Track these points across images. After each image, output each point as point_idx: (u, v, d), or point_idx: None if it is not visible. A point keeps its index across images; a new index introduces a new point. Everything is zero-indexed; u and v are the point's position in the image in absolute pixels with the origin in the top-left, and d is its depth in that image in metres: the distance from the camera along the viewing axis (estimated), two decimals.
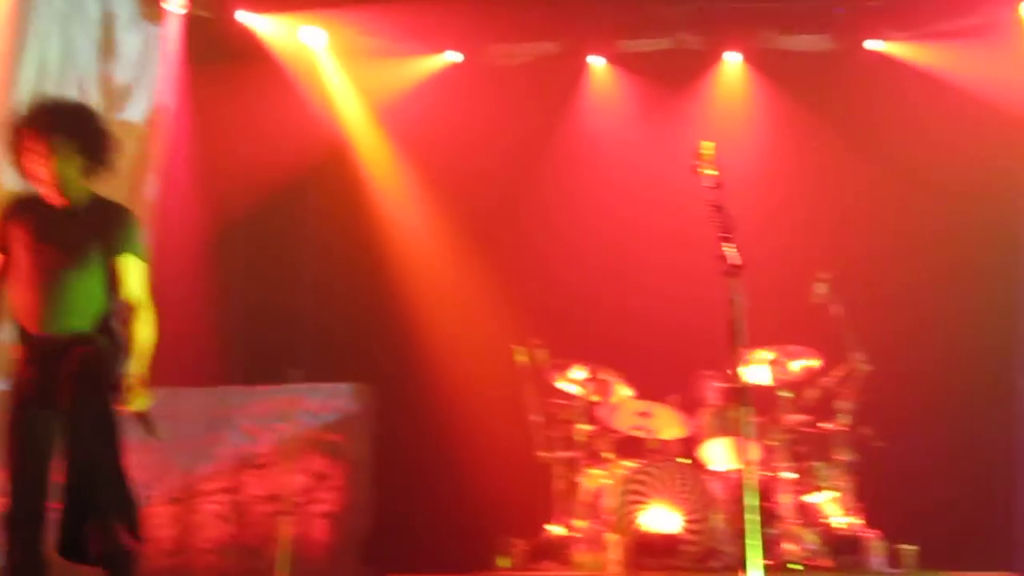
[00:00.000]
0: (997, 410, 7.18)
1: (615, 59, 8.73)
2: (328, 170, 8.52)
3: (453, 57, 8.78)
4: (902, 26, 8.54)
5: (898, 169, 7.91)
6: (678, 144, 4.48)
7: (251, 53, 8.20)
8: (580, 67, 8.76)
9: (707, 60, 8.64)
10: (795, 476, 6.57)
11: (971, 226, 7.74)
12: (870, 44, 8.64)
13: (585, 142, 8.50)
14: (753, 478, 6.32)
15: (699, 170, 4.47)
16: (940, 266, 7.71)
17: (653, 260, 7.89)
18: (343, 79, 8.66)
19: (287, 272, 8.60)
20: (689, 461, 6.76)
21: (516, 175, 8.38)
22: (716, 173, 4.34)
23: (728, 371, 4.12)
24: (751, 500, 4.03)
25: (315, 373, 7.60)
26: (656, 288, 7.78)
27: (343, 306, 8.35)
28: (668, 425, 6.91)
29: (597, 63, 8.77)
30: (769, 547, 6.34)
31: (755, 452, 6.52)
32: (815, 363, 6.69)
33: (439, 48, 8.75)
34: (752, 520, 3.99)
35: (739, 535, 4.10)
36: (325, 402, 7.55)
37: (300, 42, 8.49)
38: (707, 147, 4.46)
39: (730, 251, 4.04)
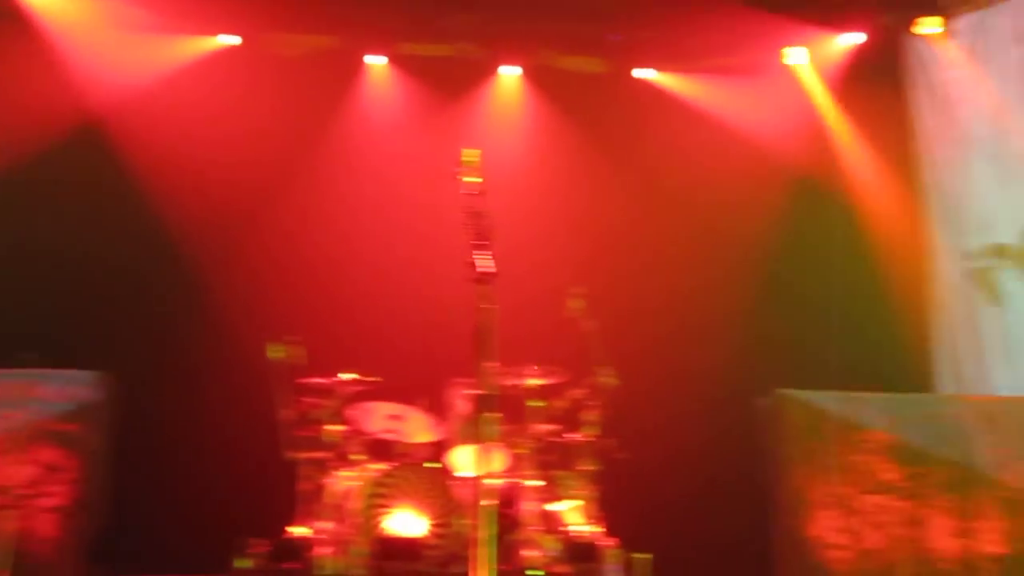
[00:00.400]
0: (735, 426, 7.54)
1: (395, 60, 8.70)
2: (83, 145, 8.02)
3: (228, 40, 8.48)
4: (671, 58, 8.96)
5: (656, 193, 8.28)
6: (448, 150, 4.50)
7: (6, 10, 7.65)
8: (359, 64, 8.68)
9: (485, 71, 8.76)
10: (540, 484, 6.71)
11: (719, 252, 8.19)
12: (639, 72, 9.01)
13: (357, 140, 8.41)
14: (491, 485, 6.45)
15: (461, 177, 4.48)
16: (687, 287, 8.12)
17: (414, 264, 7.90)
18: (105, 51, 8.19)
19: (27, 250, 8.01)
20: (438, 466, 6.78)
21: (284, 168, 8.19)
22: (478, 181, 4.36)
23: (476, 378, 4.12)
24: (487, 507, 4.05)
25: (51, 359, 7.13)
26: (416, 292, 7.79)
27: (87, 290, 7.87)
28: (419, 429, 6.93)
29: (376, 62, 8.71)
30: (510, 553, 6.48)
31: (500, 460, 6.62)
32: (564, 375, 6.86)
33: (213, 30, 8.44)
34: (487, 527, 4.02)
35: (475, 541, 4.12)
36: (61, 390, 7.08)
37: (64, 5, 7.97)
38: (470, 154, 4.48)
39: (482, 259, 4.05)
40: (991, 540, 6.74)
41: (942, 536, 6.72)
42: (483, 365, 4.12)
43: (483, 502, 6.31)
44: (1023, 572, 6.53)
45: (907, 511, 6.75)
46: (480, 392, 4.22)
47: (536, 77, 8.76)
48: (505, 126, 8.63)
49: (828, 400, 6.90)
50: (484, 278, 4.02)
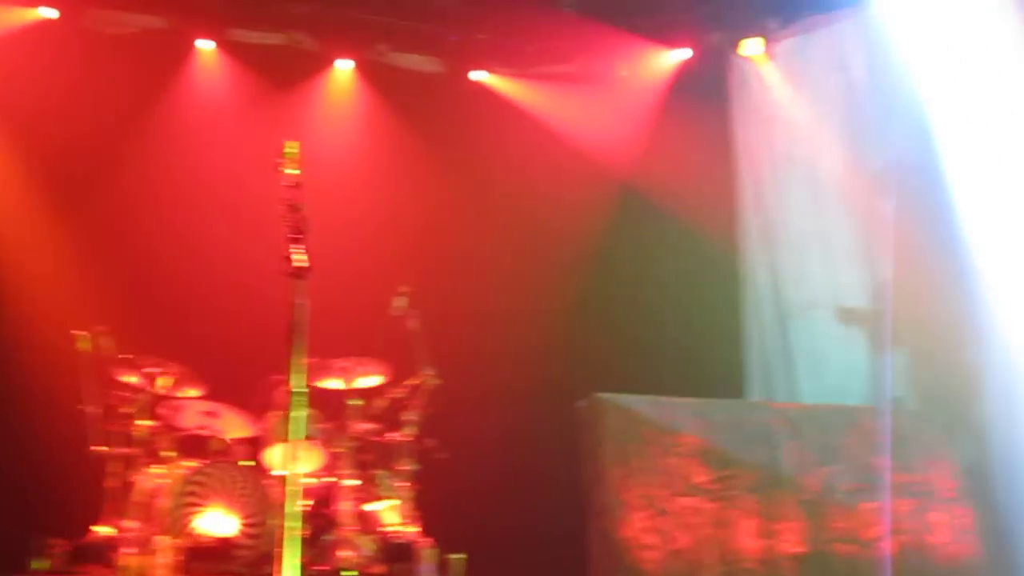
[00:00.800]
0: (554, 428, 7.64)
1: (225, 46, 8.46)
2: None
3: (47, 13, 8.07)
4: (507, 62, 9.05)
5: (485, 195, 8.35)
6: (274, 141, 4.41)
7: None
8: (187, 48, 8.41)
9: (319, 63, 8.62)
10: (357, 483, 6.64)
11: (544, 256, 8.31)
12: (475, 74, 9.06)
13: (180, 126, 8.12)
14: (306, 484, 6.36)
15: (281, 169, 4.39)
16: (512, 289, 8.21)
17: (234, 256, 7.66)
18: None
19: None
20: (252, 464, 6.62)
21: (101, 151, 7.83)
22: (296, 173, 4.28)
23: (289, 374, 4.04)
24: (298, 506, 3.98)
25: None
26: (235, 285, 7.57)
27: None
28: (234, 426, 6.75)
29: (205, 47, 8.45)
30: (326, 553, 6.38)
31: (316, 458, 6.52)
32: (385, 373, 6.82)
33: (34, 1, 8.02)
34: (293, 527, 3.95)
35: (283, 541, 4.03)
36: None
37: None
38: (291, 146, 4.39)
39: (298, 253, 3.98)
40: (791, 540, 7.07)
41: (747, 536, 6.99)
42: (296, 361, 4.04)
43: (292, 501, 6.22)
44: (819, 570, 6.86)
45: (715, 513, 6.99)
46: (293, 389, 4.13)
47: (369, 72, 8.68)
48: (337, 120, 8.52)
49: (643, 404, 7.08)
50: (298, 273, 3.94)
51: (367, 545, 6.44)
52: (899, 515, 7.32)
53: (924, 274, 8.13)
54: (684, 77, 8.96)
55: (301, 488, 6.40)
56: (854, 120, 8.58)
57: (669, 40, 8.96)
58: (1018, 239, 7.59)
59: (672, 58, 9.01)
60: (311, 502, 6.46)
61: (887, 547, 7.18)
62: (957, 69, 7.71)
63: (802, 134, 8.84)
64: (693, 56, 9.01)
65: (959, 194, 7.90)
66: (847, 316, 8.36)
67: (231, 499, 6.27)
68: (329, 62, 8.68)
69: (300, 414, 6.37)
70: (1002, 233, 7.66)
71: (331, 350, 6.65)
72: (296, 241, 4.00)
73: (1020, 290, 7.56)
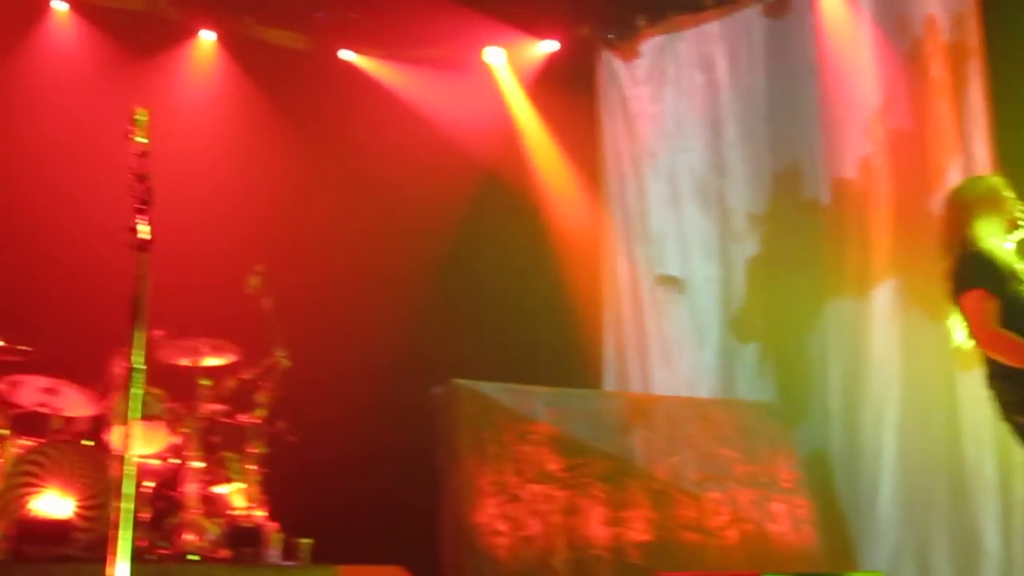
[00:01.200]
0: (410, 413, 7.58)
1: (79, 8, 8.12)
2: None
3: None
4: (377, 43, 8.95)
5: (348, 176, 8.24)
6: (128, 110, 4.25)
7: None
8: (43, 8, 8.04)
9: (180, 33, 8.37)
10: (204, 466, 6.47)
11: (405, 239, 8.26)
12: (344, 53, 8.94)
13: (30, 90, 7.76)
14: (137, 465, 6.15)
15: (130, 137, 4.23)
16: (371, 271, 8.14)
17: (78, 227, 7.34)
18: None
19: None
20: (93, 443, 6.37)
21: None
22: (146, 141, 4.12)
23: (132, 351, 3.89)
24: (129, 488, 3.84)
25: None
26: (81, 256, 7.26)
27: None
28: (76, 404, 6.47)
29: (59, 7, 8.10)
30: (171, 536, 6.20)
31: (162, 439, 6.33)
32: (236, 354, 6.65)
33: None
34: (128, 509, 3.81)
35: (119, 524, 3.88)
36: None
37: None
38: (141, 113, 4.23)
39: (142, 224, 3.84)
40: (639, 528, 7.21)
41: (596, 524, 7.10)
42: (137, 337, 3.90)
43: (129, 482, 6.03)
44: (663, 556, 7.02)
45: (566, 500, 7.08)
46: (134, 366, 3.99)
47: (234, 45, 8.47)
48: (197, 92, 8.28)
49: (499, 391, 7.12)
50: (141, 245, 3.80)
51: (212, 529, 6.28)
52: (742, 504, 7.56)
53: (775, 271, 8.42)
54: (552, 69, 9.04)
55: (144, 469, 6.22)
56: (715, 119, 8.79)
57: (538, 31, 9.02)
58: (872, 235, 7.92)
59: (541, 49, 9.08)
60: (153, 484, 6.26)
61: (731, 536, 7.42)
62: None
63: (665, 132, 9.01)
64: (562, 49, 9.09)
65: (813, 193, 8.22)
66: (665, 282, 8.62)
67: (69, 480, 6.02)
68: (193, 32, 8.43)
69: (141, 392, 6.22)
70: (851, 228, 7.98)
71: (182, 328, 6.47)
72: (141, 212, 3.85)
73: (861, 285, 7.89)
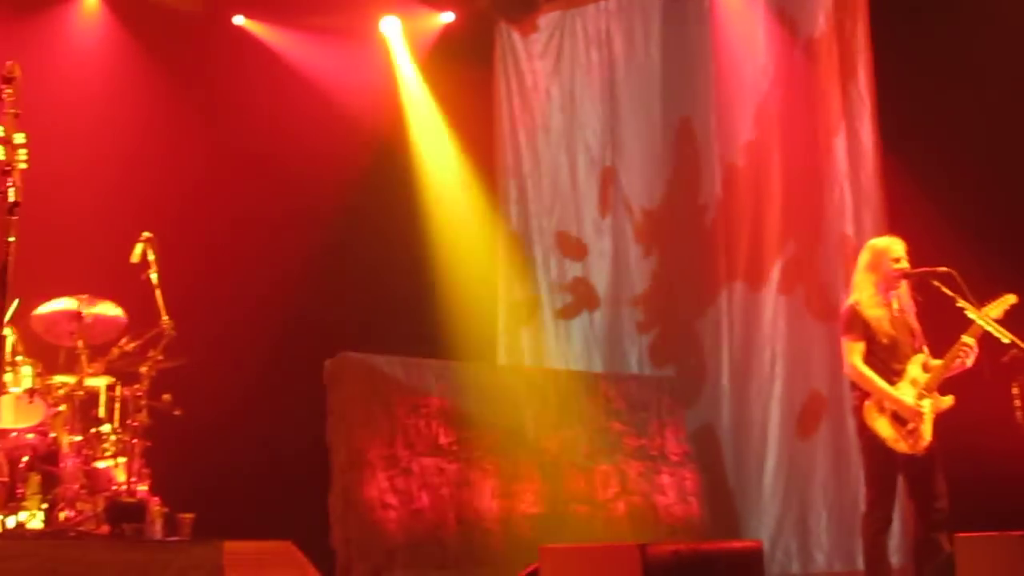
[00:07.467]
0: (298, 386, 7.46)
1: None
2: None
3: None
4: (271, 9, 8.76)
5: (237, 143, 8.06)
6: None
7: None
8: None
9: None
10: (83, 440, 6.27)
11: (293, 208, 8.14)
12: (238, 19, 8.73)
13: None
14: (25, 439, 5.95)
15: (2, 95, 4.06)
16: (259, 241, 8.01)
17: None
18: None
19: None
20: None
21: None
22: (13, 97, 3.95)
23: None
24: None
25: None
26: None
27: None
28: None
29: None
30: (49, 512, 5.99)
31: (38, 412, 6.11)
32: (120, 321, 6.46)
33: None
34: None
35: None
36: None
37: None
38: (12, 68, 4.06)
39: (10, 186, 3.69)
40: (529, 501, 7.26)
41: (486, 497, 7.13)
42: (5, 305, 3.75)
43: (6, 456, 5.82)
44: (553, 529, 7.08)
45: (456, 473, 7.08)
46: (5, 335, 3.84)
47: (120, 8, 8.18)
48: (80, 54, 7.98)
49: (391, 364, 7.07)
50: (9, 208, 3.65)
51: (93, 504, 6.09)
52: (631, 477, 7.67)
53: (668, 249, 8.53)
54: (449, 40, 8.97)
55: (20, 443, 6.00)
56: (610, 95, 8.85)
57: (436, 2, 8.94)
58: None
59: (438, 20, 9.00)
60: (29, 458, 6.04)
61: (619, 508, 7.53)
62: None
63: (560, 105, 9.04)
64: (459, 20, 9.03)
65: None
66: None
67: None
68: None
69: (15, 363, 6.01)
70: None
71: (64, 295, 6.26)
72: (7, 174, 3.70)
73: (752, 265, 8.06)
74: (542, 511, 7.25)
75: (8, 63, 4.12)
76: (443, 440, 7.11)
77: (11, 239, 3.67)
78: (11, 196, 3.68)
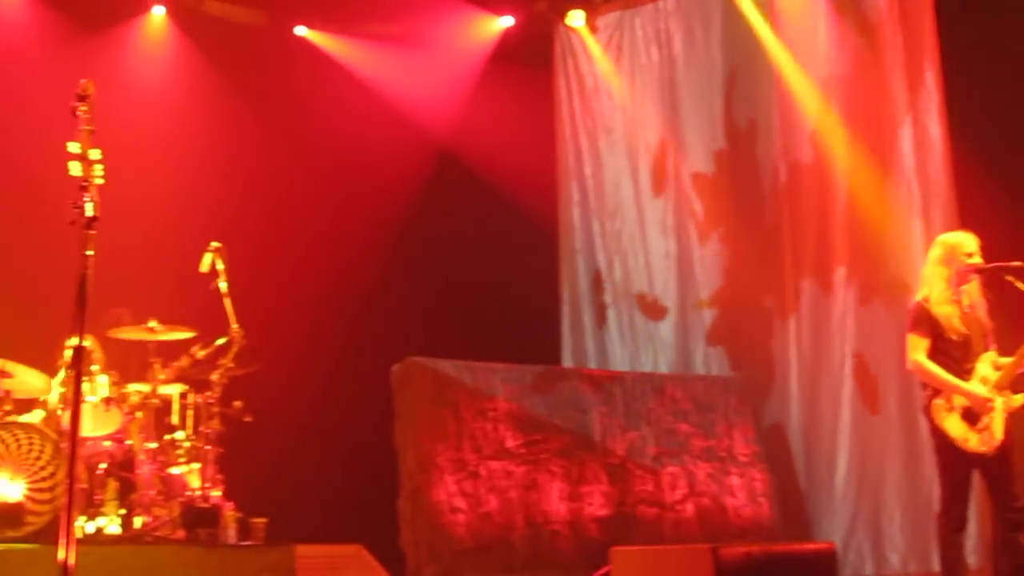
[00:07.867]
0: (367, 391, 7.54)
1: None
2: None
3: None
4: (333, 19, 8.87)
5: (303, 153, 8.19)
6: (75, 86, 4.17)
7: None
8: None
9: (131, 7, 8.22)
10: (158, 446, 6.40)
11: (361, 217, 8.22)
12: (300, 30, 8.85)
13: None
14: (91, 447, 6.09)
15: (76, 113, 4.14)
16: (327, 249, 8.10)
17: (27, 207, 7.18)
18: None
19: None
20: (44, 426, 6.27)
21: None
22: (88, 117, 4.03)
23: (80, 331, 3.82)
24: (80, 470, 3.79)
25: None
26: (30, 235, 7.12)
27: None
28: (29, 386, 6.38)
29: None
30: (127, 518, 6.13)
31: (115, 420, 6.25)
32: (192, 332, 6.58)
33: None
34: (79, 490, 3.76)
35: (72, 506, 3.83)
36: None
37: None
38: (86, 86, 4.15)
39: (88, 201, 3.76)
40: (597, 503, 7.24)
41: (554, 499, 7.12)
42: (85, 316, 3.83)
43: (80, 464, 5.95)
44: (621, 531, 7.06)
45: (524, 476, 7.09)
46: (85, 346, 3.92)
47: (185, 21, 8.35)
48: (149, 68, 8.15)
49: (457, 368, 7.10)
50: (87, 223, 3.73)
51: (169, 510, 6.22)
52: (699, 478, 7.62)
53: (734, 248, 8.46)
54: (508, 45, 9.01)
55: (97, 451, 6.14)
56: (671, 94, 8.81)
57: (495, 7, 8.98)
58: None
59: (497, 25, 9.03)
60: (106, 465, 6.18)
61: (688, 509, 7.48)
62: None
63: (620, 106, 9.02)
64: (517, 24, 9.06)
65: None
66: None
67: (19, 463, 5.92)
68: (145, 7, 8.30)
69: (93, 373, 6.14)
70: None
71: (137, 306, 6.39)
72: (85, 189, 3.78)
73: (820, 264, 7.96)
74: (610, 513, 7.23)
75: (82, 81, 4.20)
76: (510, 443, 7.12)
77: (89, 252, 3.74)
78: (88, 211, 3.76)
